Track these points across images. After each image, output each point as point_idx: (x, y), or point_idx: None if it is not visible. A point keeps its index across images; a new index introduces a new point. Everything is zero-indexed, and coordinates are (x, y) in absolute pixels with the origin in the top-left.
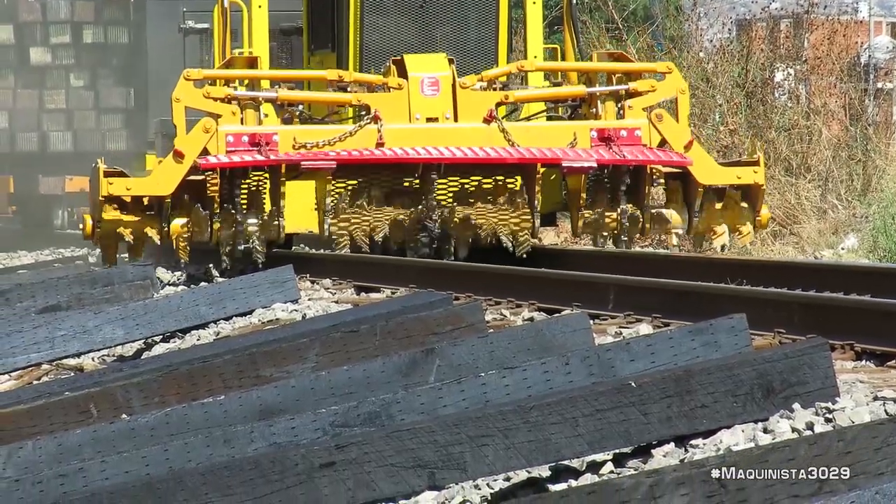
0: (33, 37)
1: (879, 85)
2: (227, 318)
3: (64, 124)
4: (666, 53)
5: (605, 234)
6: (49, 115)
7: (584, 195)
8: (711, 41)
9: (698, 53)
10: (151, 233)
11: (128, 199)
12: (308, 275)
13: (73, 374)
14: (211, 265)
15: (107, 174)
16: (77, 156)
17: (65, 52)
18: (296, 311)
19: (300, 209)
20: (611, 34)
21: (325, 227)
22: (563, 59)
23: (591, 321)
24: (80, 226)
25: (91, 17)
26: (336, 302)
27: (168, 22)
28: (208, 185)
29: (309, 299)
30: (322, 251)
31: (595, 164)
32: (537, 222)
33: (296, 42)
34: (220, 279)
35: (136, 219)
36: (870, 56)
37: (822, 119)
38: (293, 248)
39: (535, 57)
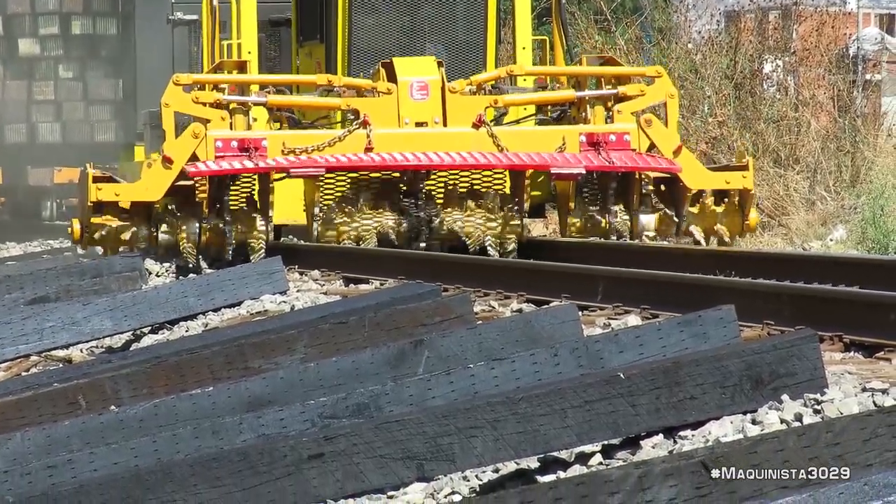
0: (22, 28)
1: (868, 76)
2: (216, 310)
3: (53, 115)
4: (654, 45)
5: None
6: (38, 106)
7: (572, 204)
8: (700, 32)
9: (687, 45)
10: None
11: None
12: (296, 266)
13: (61, 365)
14: (199, 256)
15: (96, 179)
16: (66, 147)
17: (53, 44)
18: (284, 302)
19: (288, 201)
20: (599, 26)
21: (314, 230)
22: (552, 50)
23: (580, 312)
24: (69, 230)
25: (79, 8)
26: (324, 293)
27: (157, 13)
28: (197, 190)
29: (297, 291)
30: (311, 243)
31: (584, 171)
32: (525, 230)
33: (284, 33)
34: (208, 270)
35: (126, 223)
36: (858, 47)
37: (811, 110)
38: (281, 238)
39: (524, 48)
